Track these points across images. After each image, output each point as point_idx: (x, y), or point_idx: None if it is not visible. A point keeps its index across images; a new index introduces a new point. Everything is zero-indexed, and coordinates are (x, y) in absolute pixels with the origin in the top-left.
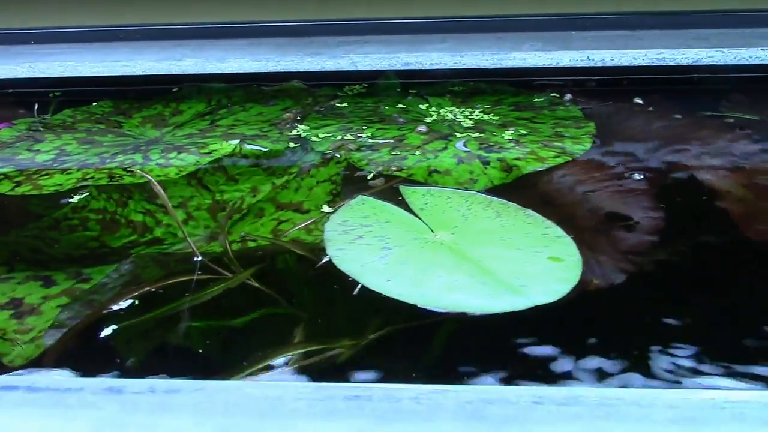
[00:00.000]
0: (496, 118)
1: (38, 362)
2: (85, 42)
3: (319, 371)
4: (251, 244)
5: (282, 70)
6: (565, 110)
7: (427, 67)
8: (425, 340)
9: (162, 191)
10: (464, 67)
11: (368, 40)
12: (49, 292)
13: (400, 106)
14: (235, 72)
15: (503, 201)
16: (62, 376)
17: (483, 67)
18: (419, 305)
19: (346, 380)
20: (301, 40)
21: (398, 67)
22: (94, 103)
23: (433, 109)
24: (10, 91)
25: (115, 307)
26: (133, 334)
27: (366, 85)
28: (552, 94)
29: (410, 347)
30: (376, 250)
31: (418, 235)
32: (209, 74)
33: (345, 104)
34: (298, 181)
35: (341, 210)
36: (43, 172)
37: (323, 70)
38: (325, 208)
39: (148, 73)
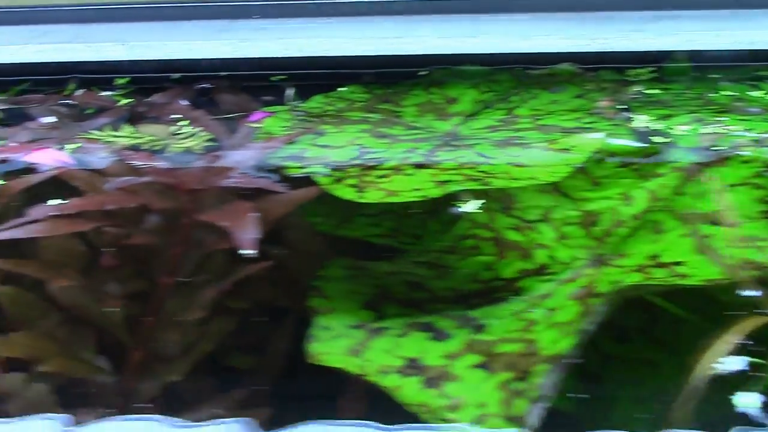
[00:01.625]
0: None
1: None
2: (308, 17)
3: None
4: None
5: (597, 50)
6: None
7: None
8: None
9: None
10: None
11: (677, 15)
12: (447, 348)
13: (725, 93)
14: (543, 52)
15: None
16: None
17: None
18: None
19: None
20: (587, 15)
21: (743, 47)
22: (340, 89)
23: None
24: (223, 74)
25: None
26: None
27: (653, 69)
28: None
29: None
30: None
31: None
32: (512, 54)
33: (655, 90)
34: (696, 185)
35: None
36: (379, 174)
37: (648, 50)
38: None
39: (435, 53)
